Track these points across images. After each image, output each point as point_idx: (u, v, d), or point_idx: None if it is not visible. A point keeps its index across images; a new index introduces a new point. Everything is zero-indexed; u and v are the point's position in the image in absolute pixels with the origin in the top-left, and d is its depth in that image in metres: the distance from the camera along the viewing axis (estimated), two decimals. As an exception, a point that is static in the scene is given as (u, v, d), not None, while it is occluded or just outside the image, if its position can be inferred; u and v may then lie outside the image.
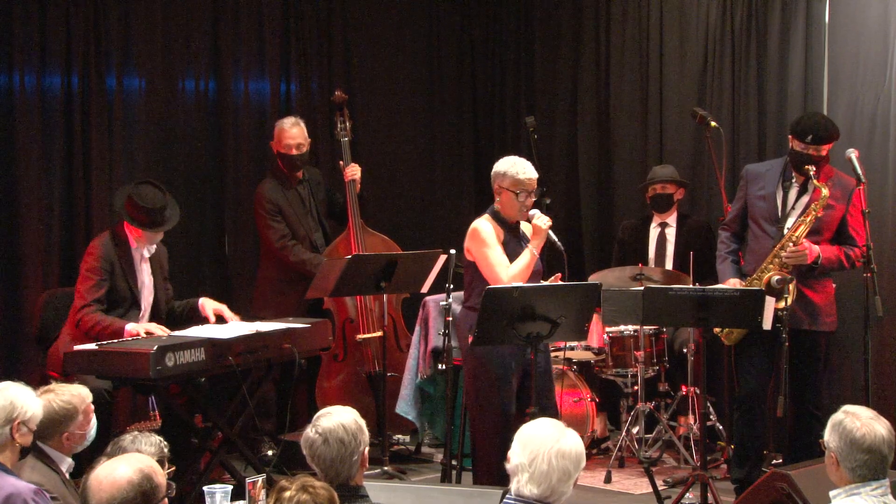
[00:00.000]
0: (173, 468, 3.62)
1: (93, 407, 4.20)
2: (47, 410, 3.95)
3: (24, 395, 3.78)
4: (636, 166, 7.72)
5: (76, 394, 4.10)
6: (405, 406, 6.59)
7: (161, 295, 5.95)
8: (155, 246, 5.91)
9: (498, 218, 5.44)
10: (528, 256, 5.33)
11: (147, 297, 5.88)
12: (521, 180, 5.35)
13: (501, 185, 5.38)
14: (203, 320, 5.87)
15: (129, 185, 5.91)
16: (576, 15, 8.14)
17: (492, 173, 5.45)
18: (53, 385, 4.14)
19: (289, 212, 6.81)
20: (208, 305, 5.92)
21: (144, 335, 5.53)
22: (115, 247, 5.76)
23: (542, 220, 5.36)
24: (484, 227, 5.39)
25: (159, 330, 5.61)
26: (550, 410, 5.23)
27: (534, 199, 5.41)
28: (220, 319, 5.88)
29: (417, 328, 6.41)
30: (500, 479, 5.15)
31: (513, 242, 5.42)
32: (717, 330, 5.69)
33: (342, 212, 7.05)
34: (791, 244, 5.53)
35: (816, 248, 5.53)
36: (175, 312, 6.00)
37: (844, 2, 6.65)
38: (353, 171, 6.98)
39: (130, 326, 5.63)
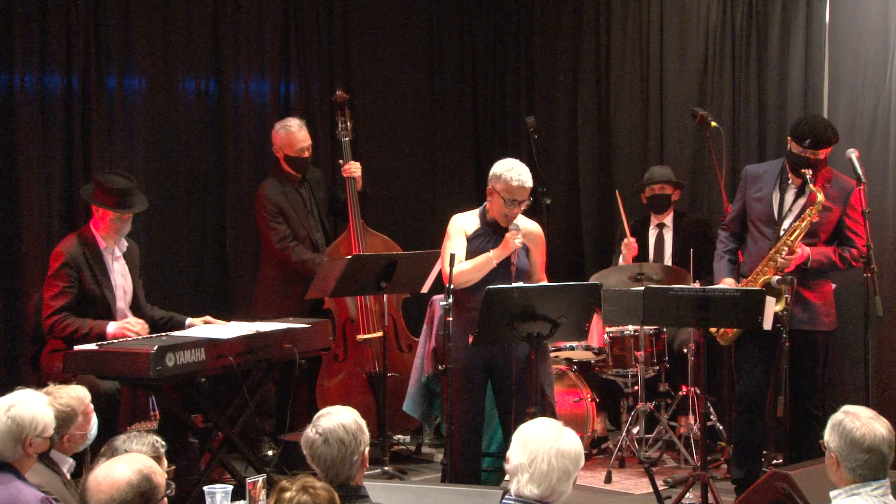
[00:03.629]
0: (174, 467, 3.62)
1: (92, 407, 4.20)
2: (53, 415, 3.94)
3: (31, 409, 3.71)
4: (636, 166, 7.72)
5: (74, 396, 4.10)
6: (411, 404, 6.57)
7: (140, 293, 5.93)
8: (126, 243, 5.88)
9: (483, 215, 5.42)
10: (481, 259, 5.29)
11: (124, 298, 5.84)
12: (513, 187, 5.25)
13: (495, 186, 5.32)
14: None
15: (97, 176, 5.91)
16: (576, 15, 8.14)
17: (490, 173, 5.39)
18: (51, 387, 4.12)
19: (290, 212, 6.81)
20: (196, 323, 5.91)
21: (127, 334, 5.54)
22: (82, 249, 5.71)
23: (514, 239, 5.25)
24: (454, 220, 5.45)
25: (139, 326, 5.60)
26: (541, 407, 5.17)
27: (521, 209, 5.29)
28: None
29: (425, 327, 6.41)
30: (468, 475, 5.20)
31: (484, 240, 5.38)
32: (712, 330, 5.70)
33: (344, 208, 7.05)
34: (786, 248, 5.54)
35: (808, 249, 5.54)
36: (154, 321, 5.96)
37: (845, 2, 6.65)
38: (354, 169, 6.98)
39: (111, 327, 5.61)
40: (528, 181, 5.28)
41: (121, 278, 5.84)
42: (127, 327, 5.60)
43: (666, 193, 7.00)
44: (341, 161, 7.04)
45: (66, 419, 4.03)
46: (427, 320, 6.41)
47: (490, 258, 5.26)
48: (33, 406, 3.73)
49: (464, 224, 5.44)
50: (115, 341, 5.41)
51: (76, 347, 5.24)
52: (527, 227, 5.45)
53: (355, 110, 7.63)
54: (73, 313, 5.65)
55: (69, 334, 5.58)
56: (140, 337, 5.54)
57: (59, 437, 4.02)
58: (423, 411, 6.62)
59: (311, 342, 5.93)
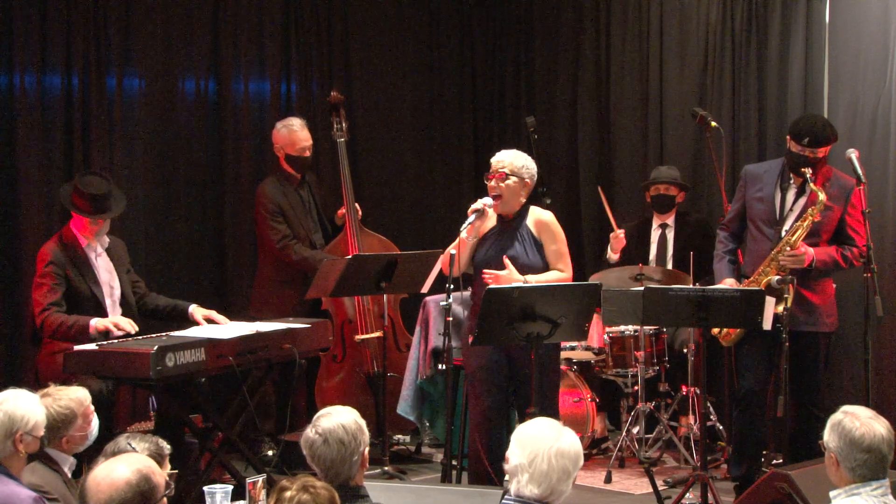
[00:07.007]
0: (175, 472, 3.62)
1: (92, 408, 4.19)
2: (45, 416, 3.94)
3: (23, 406, 3.73)
4: (636, 166, 7.72)
5: (74, 398, 4.09)
6: (406, 407, 6.58)
7: (127, 288, 5.90)
8: (108, 240, 5.85)
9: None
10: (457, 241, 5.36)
11: (111, 294, 5.81)
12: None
13: None
14: (194, 324, 5.85)
15: (75, 177, 5.87)
16: (576, 15, 8.15)
17: None
18: (51, 389, 4.12)
19: (289, 212, 6.81)
20: (198, 313, 5.88)
21: (112, 328, 5.48)
22: (63, 249, 5.68)
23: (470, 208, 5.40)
24: None
25: (128, 325, 5.57)
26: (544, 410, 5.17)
27: (496, 184, 5.41)
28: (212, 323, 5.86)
29: (418, 329, 6.40)
30: (487, 476, 5.17)
31: (492, 236, 5.44)
32: (714, 331, 5.70)
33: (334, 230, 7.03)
34: (788, 248, 5.54)
35: (812, 250, 5.54)
36: (159, 309, 5.96)
37: (845, 2, 6.65)
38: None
39: (95, 321, 5.57)
40: (500, 155, 5.50)
41: (106, 274, 5.81)
42: (117, 324, 5.56)
43: (671, 194, 6.99)
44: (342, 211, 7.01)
45: (65, 421, 4.03)
46: (420, 322, 6.41)
47: (461, 237, 5.34)
48: (25, 403, 3.75)
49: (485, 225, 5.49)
50: (116, 341, 5.39)
51: (76, 347, 5.24)
52: (539, 216, 5.49)
53: (355, 111, 7.63)
54: (63, 309, 5.62)
55: (55, 329, 5.55)
56: (134, 334, 5.52)
57: (58, 438, 4.03)
58: (418, 414, 6.63)
59: (311, 342, 5.92)
